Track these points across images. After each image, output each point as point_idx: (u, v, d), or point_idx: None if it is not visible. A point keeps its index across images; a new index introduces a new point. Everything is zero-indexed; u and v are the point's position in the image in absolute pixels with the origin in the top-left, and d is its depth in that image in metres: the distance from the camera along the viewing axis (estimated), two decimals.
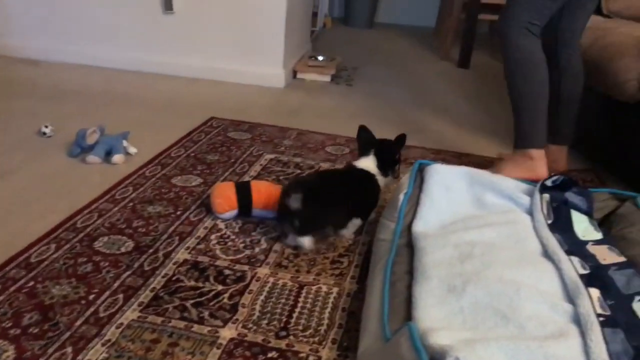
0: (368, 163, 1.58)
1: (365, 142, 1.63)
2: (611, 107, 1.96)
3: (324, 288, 1.31)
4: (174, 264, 1.36)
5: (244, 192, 1.56)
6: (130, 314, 1.18)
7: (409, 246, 1.28)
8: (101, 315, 1.17)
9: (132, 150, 1.96)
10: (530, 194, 1.38)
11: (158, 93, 2.66)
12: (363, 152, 1.62)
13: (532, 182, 1.44)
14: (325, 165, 1.96)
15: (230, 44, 2.88)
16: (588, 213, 1.34)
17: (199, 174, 1.84)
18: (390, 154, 1.62)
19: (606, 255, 1.18)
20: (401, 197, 1.38)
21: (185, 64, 2.92)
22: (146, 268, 1.34)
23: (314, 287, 1.31)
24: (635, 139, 1.94)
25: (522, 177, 1.52)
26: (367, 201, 1.56)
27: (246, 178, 1.83)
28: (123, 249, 1.41)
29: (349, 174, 1.57)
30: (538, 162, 1.82)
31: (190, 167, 1.88)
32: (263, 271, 1.35)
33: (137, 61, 2.94)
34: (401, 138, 1.60)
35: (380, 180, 1.58)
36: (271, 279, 1.33)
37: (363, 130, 1.66)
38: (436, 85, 3.22)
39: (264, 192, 1.56)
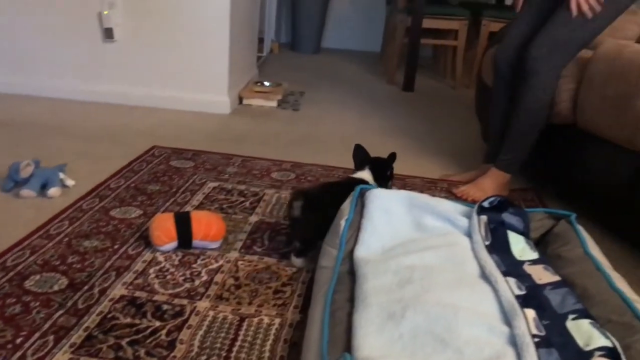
0: (365, 175, 1.69)
1: (361, 159, 1.75)
2: (547, 129, 2.02)
3: (266, 319, 1.28)
4: (109, 300, 1.31)
5: (183, 223, 1.52)
6: (61, 357, 1.12)
7: (350, 273, 1.27)
8: (29, 359, 1.11)
9: (69, 182, 1.90)
10: (468, 216, 1.40)
11: (99, 122, 2.60)
12: (359, 168, 1.73)
13: (470, 203, 1.46)
14: (269, 192, 1.95)
15: (174, 71, 2.85)
16: (524, 233, 1.36)
17: (138, 205, 1.79)
18: (384, 170, 1.73)
19: (542, 275, 1.20)
20: (342, 223, 1.37)
21: (128, 92, 2.87)
22: (80, 306, 1.28)
23: (255, 319, 1.28)
24: (569, 159, 2.00)
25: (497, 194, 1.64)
26: None
27: (188, 208, 1.80)
28: (56, 287, 1.34)
29: (349, 184, 1.59)
30: (508, 184, 2.08)
31: (130, 198, 1.83)
32: (203, 305, 1.32)
33: (77, 90, 2.87)
34: (392, 155, 1.74)
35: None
36: (211, 313, 1.29)
37: (359, 148, 1.77)
38: (381, 109, 3.27)
39: (204, 222, 1.53)
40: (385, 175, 1.74)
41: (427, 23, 3.73)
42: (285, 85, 3.36)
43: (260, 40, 4.37)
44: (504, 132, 2.05)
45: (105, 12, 2.73)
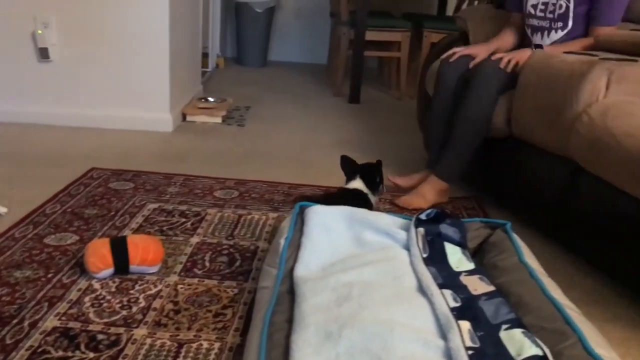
0: (358, 184, 1.82)
1: (349, 169, 1.87)
2: (486, 141, 2.07)
3: (205, 344, 1.25)
4: (40, 333, 1.26)
5: (119, 249, 1.48)
6: None
7: (290, 293, 1.26)
8: None
9: (2, 210, 1.82)
10: (407, 229, 1.41)
11: (34, 145, 2.51)
12: (350, 178, 1.85)
13: (408, 216, 1.47)
14: (212, 212, 1.92)
15: (113, 90, 2.78)
16: (461, 244, 1.38)
17: (75, 230, 1.73)
18: (373, 176, 1.85)
19: (477, 286, 1.21)
20: (282, 242, 1.36)
21: (67, 114, 2.78)
22: (8, 342, 1.22)
23: (194, 345, 1.25)
24: (507, 167, 2.05)
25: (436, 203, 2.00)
26: None
27: (126, 231, 1.75)
28: None
29: (346, 194, 1.77)
30: (448, 192, 2.12)
31: (66, 223, 1.77)
32: (140, 332, 1.28)
33: (12, 113, 2.77)
34: (379, 162, 1.90)
35: (372, 198, 1.82)
36: (148, 340, 1.25)
37: (345, 159, 1.90)
38: (328, 122, 3.28)
39: (141, 246, 1.49)
40: (375, 182, 1.86)
41: (370, 35, 3.77)
42: (230, 100, 3.33)
43: (205, 55, 4.33)
44: (445, 140, 2.10)
45: (39, 32, 2.65)
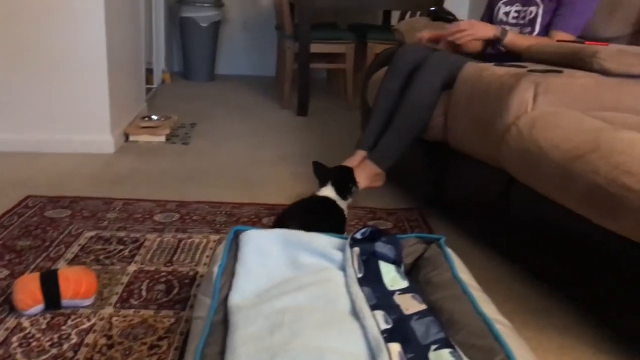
0: (328, 192, 1.90)
1: (322, 175, 1.97)
2: (425, 149, 2.10)
3: None
4: None
5: (49, 283, 1.43)
6: None
7: (224, 322, 1.24)
8: None
9: None
10: (343, 249, 1.41)
11: None
12: (322, 184, 1.93)
13: (344, 236, 1.47)
14: (151, 237, 1.88)
15: (51, 113, 2.71)
16: (396, 261, 1.39)
17: (5, 264, 1.67)
18: (345, 182, 1.94)
19: (409, 305, 1.22)
20: (215, 269, 1.34)
21: (0, 139, 2.69)
22: None
23: None
24: (446, 178, 2.08)
25: (366, 187, 2.06)
26: (333, 223, 1.81)
27: (61, 262, 1.70)
28: None
29: (315, 202, 1.87)
30: (381, 177, 2.13)
31: None
32: None
33: None
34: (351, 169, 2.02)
35: (342, 203, 1.90)
36: None
37: (317, 165, 2.01)
38: (275, 136, 3.27)
39: (72, 279, 1.45)
40: (347, 187, 1.95)
41: (315, 48, 3.79)
42: (174, 117, 3.29)
43: (150, 71, 4.28)
44: (385, 126, 2.11)
45: None
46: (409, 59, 2.16)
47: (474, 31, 2.12)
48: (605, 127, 1.51)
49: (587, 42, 1.92)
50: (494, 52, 2.19)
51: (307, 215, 1.81)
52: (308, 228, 1.53)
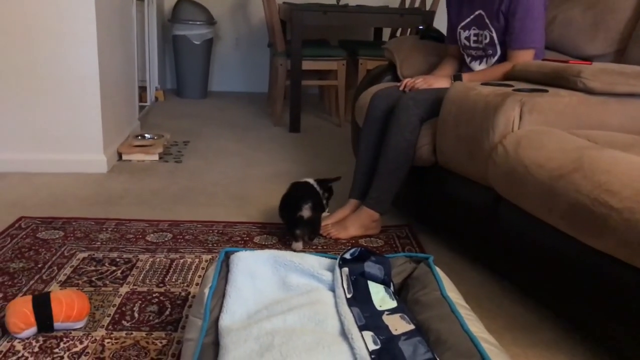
0: (311, 181, 2.14)
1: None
2: (416, 169, 2.12)
3: None
4: None
5: (42, 306, 1.44)
6: None
7: (215, 344, 1.25)
8: None
9: None
10: (332, 269, 1.43)
11: None
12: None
13: (334, 255, 1.49)
14: (143, 257, 1.89)
15: (44, 133, 2.72)
16: (385, 281, 1.41)
17: None
18: (326, 183, 2.15)
19: (398, 325, 1.23)
20: (206, 291, 1.36)
21: None
22: None
23: None
24: (436, 196, 2.10)
25: (361, 235, 2.10)
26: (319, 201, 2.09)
27: (53, 284, 1.71)
28: None
29: (303, 185, 2.12)
30: (378, 223, 2.14)
31: None
32: None
33: None
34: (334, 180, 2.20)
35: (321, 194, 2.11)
36: None
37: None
38: (268, 153, 3.29)
39: (65, 302, 1.46)
40: (328, 187, 2.15)
41: (307, 65, 3.82)
42: (167, 136, 3.31)
43: (144, 89, 4.30)
44: (373, 171, 2.14)
45: None
46: (384, 104, 2.20)
47: (429, 84, 2.18)
48: (588, 145, 1.54)
49: (571, 61, 1.96)
50: None
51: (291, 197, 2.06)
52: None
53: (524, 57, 2.11)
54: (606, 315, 1.41)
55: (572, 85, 1.77)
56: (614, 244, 1.31)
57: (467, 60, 2.31)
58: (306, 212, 1.97)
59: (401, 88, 2.21)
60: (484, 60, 2.25)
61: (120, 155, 3.00)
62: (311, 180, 2.14)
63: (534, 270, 1.64)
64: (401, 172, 2.08)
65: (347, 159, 3.04)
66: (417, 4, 4.50)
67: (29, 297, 1.48)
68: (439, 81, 2.18)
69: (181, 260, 1.88)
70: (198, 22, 4.65)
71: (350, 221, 2.12)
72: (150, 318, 1.55)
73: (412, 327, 1.23)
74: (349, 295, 1.33)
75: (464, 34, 2.28)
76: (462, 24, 2.28)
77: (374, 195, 2.11)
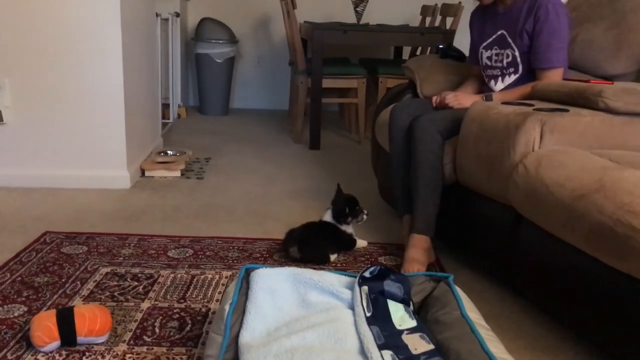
0: (327, 217, 2.16)
1: (333, 200, 2.20)
2: None
3: None
4: None
5: (65, 321, 1.46)
6: None
7: None
8: None
9: None
10: (352, 287, 1.43)
11: None
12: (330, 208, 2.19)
13: (353, 273, 1.50)
14: (164, 273, 1.91)
15: (69, 149, 2.78)
16: (404, 300, 1.41)
17: (23, 301, 1.71)
18: (338, 209, 2.15)
19: (417, 345, 1.23)
20: (226, 308, 1.37)
21: (22, 175, 2.77)
22: None
23: None
24: (457, 214, 2.10)
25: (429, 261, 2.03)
26: (335, 242, 2.13)
27: (77, 299, 1.73)
28: None
29: (321, 225, 2.17)
30: (431, 248, 2.06)
31: (15, 294, 1.75)
32: None
33: None
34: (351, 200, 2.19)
35: (347, 228, 2.15)
36: None
37: (338, 188, 2.22)
38: (288, 170, 3.32)
39: (88, 316, 1.48)
40: (342, 213, 2.14)
41: (328, 83, 3.86)
42: (189, 153, 3.35)
43: (167, 106, 4.38)
44: (409, 194, 2.12)
45: None
46: (404, 114, 2.21)
47: (459, 103, 2.18)
48: (610, 165, 1.53)
49: (592, 81, 1.95)
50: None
51: (306, 236, 2.09)
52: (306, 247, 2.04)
53: (554, 77, 2.10)
54: (629, 337, 1.39)
55: (594, 105, 1.77)
56: (637, 266, 1.30)
57: (486, 80, 2.32)
58: (294, 253, 2.05)
59: (434, 105, 2.25)
60: (501, 78, 2.25)
61: (143, 172, 3.04)
62: (328, 216, 2.16)
63: (555, 291, 1.62)
64: (439, 189, 2.05)
65: (367, 175, 3.05)
66: (437, 23, 4.52)
67: (53, 312, 1.50)
68: (469, 99, 2.16)
69: (202, 276, 1.90)
70: (221, 41, 4.72)
71: (414, 253, 1.99)
72: (171, 334, 1.57)
73: (431, 346, 1.23)
74: (368, 314, 1.34)
75: (485, 54, 2.29)
76: (485, 43, 2.29)
77: (422, 220, 2.03)
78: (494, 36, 2.24)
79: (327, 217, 2.16)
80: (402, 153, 2.20)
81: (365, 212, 2.19)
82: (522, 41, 2.14)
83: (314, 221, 2.19)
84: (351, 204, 2.16)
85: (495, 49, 2.24)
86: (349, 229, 2.16)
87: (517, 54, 2.17)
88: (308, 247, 2.06)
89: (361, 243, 2.21)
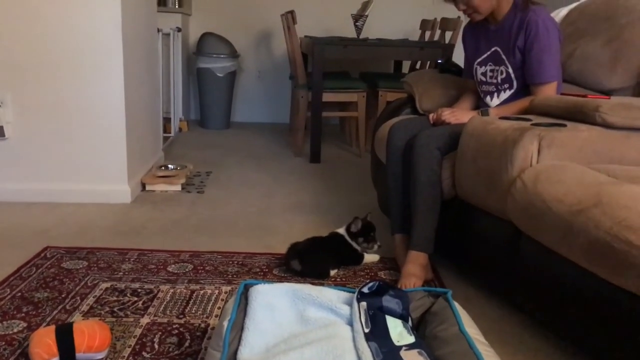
0: (342, 229, 2.22)
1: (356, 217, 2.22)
2: None
3: None
4: None
5: (64, 337, 1.46)
6: None
7: None
8: None
9: None
10: (351, 303, 1.43)
11: None
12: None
13: (352, 289, 1.50)
14: (164, 288, 1.92)
15: (71, 164, 2.80)
16: (403, 316, 1.41)
17: (23, 317, 1.71)
18: (350, 230, 2.19)
19: None
20: (225, 324, 1.37)
21: (23, 189, 2.78)
22: None
23: None
24: (456, 229, 2.10)
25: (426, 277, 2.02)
26: (340, 256, 2.16)
27: (76, 314, 1.74)
28: None
29: (326, 240, 2.21)
30: (428, 265, 2.07)
31: (15, 310, 1.75)
32: None
33: None
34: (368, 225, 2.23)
35: (355, 245, 2.18)
36: None
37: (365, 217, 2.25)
38: (288, 184, 3.32)
39: (87, 333, 1.48)
40: (354, 234, 2.18)
41: (328, 97, 3.88)
42: (190, 166, 3.37)
43: (168, 120, 4.40)
44: (405, 202, 2.14)
45: None
46: (402, 134, 2.22)
47: (456, 119, 2.20)
48: (608, 180, 1.54)
49: (589, 95, 1.96)
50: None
51: (308, 250, 2.11)
52: (308, 260, 2.06)
53: (548, 91, 2.12)
54: (630, 352, 1.38)
55: (591, 119, 1.78)
56: (636, 282, 1.30)
57: (482, 95, 2.33)
58: (295, 266, 2.07)
59: (431, 122, 2.27)
60: (496, 94, 2.26)
61: (143, 186, 3.06)
62: (341, 230, 2.21)
63: (555, 305, 1.62)
64: (438, 205, 2.05)
65: (367, 189, 3.06)
66: (436, 37, 4.55)
67: (52, 328, 1.51)
68: (467, 115, 2.17)
69: (201, 292, 1.90)
70: (222, 55, 4.76)
71: (411, 269, 2.00)
72: (170, 349, 1.57)
73: None
74: (366, 330, 1.34)
75: (480, 70, 2.30)
76: (479, 59, 2.30)
77: (420, 236, 2.04)
78: (488, 52, 2.26)
79: (342, 229, 2.21)
80: (398, 173, 2.22)
81: (378, 243, 2.22)
82: (515, 58, 2.15)
83: (320, 236, 2.22)
84: (368, 229, 2.20)
85: (490, 65, 2.26)
86: (355, 245, 2.19)
87: (510, 70, 2.18)
88: (309, 260, 2.07)
89: (371, 258, 2.22)
